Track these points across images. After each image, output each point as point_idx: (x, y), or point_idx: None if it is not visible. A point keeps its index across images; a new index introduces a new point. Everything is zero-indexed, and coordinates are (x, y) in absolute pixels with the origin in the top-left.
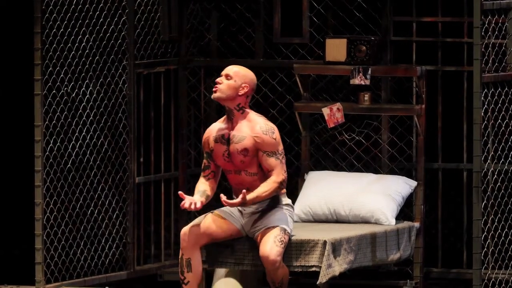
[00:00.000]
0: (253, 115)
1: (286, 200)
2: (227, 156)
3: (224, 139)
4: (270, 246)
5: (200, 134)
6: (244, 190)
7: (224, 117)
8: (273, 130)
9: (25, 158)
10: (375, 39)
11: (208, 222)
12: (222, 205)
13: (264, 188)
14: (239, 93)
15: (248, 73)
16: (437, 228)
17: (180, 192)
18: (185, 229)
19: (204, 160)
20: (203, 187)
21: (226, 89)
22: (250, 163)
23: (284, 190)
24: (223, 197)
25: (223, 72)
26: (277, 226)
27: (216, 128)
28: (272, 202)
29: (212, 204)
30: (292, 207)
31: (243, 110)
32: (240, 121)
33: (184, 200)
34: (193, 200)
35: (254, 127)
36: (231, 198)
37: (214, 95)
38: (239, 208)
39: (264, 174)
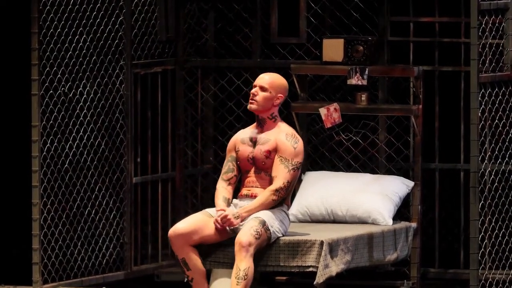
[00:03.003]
0: (283, 125)
1: (284, 207)
2: (251, 158)
3: (252, 141)
4: (244, 232)
5: (198, 134)
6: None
7: (254, 124)
8: (297, 141)
9: (23, 158)
10: (372, 39)
11: (197, 221)
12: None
13: (260, 202)
14: (274, 104)
15: (282, 82)
16: (434, 228)
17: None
18: (170, 232)
19: (229, 163)
20: (226, 194)
21: (262, 101)
22: (271, 166)
23: (289, 203)
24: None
25: (258, 83)
26: (258, 218)
27: (245, 131)
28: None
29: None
30: (287, 215)
31: (275, 119)
32: (270, 127)
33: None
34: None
35: (280, 134)
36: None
37: (250, 107)
38: (235, 203)
39: None
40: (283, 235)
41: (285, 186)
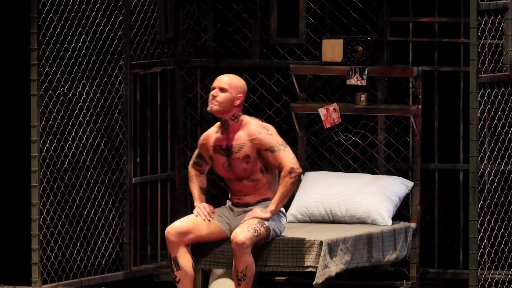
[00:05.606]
0: (246, 119)
1: None
2: (228, 166)
3: (223, 149)
4: (242, 230)
5: (197, 135)
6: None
7: (219, 125)
8: (268, 128)
9: (22, 159)
10: (371, 39)
11: (193, 221)
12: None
13: (281, 190)
14: (235, 104)
15: (240, 82)
16: (434, 228)
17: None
18: (168, 229)
19: (199, 160)
20: (200, 183)
21: (222, 102)
22: (253, 170)
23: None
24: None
25: (217, 85)
26: (258, 219)
27: (213, 136)
28: (263, 204)
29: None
30: (284, 213)
31: (238, 119)
32: (236, 129)
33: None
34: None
35: (249, 131)
36: (227, 197)
37: (211, 108)
38: (230, 206)
39: (267, 178)
40: (281, 233)
41: (294, 163)
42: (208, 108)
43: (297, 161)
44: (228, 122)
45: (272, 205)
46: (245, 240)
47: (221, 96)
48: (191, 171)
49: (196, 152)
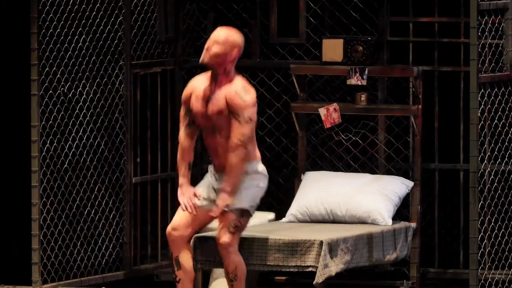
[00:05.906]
0: (237, 79)
1: (257, 166)
2: (204, 115)
3: (204, 98)
4: (223, 231)
5: None
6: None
7: (209, 74)
8: (248, 93)
9: (22, 159)
10: (371, 39)
11: (187, 215)
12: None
13: (229, 171)
14: (228, 60)
15: (237, 38)
16: (434, 228)
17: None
18: (168, 229)
19: (189, 117)
20: (191, 157)
21: (215, 55)
22: (225, 125)
23: (258, 155)
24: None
25: (213, 38)
26: (234, 209)
27: (199, 85)
28: (248, 166)
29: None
30: (260, 170)
31: (229, 74)
32: (224, 83)
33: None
34: (192, 202)
35: (229, 89)
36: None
37: (203, 60)
38: (214, 174)
39: None
40: (263, 193)
41: (241, 141)
42: (200, 59)
43: (247, 140)
44: (218, 75)
45: (229, 200)
46: (228, 241)
47: (214, 50)
48: (185, 142)
49: (183, 112)
